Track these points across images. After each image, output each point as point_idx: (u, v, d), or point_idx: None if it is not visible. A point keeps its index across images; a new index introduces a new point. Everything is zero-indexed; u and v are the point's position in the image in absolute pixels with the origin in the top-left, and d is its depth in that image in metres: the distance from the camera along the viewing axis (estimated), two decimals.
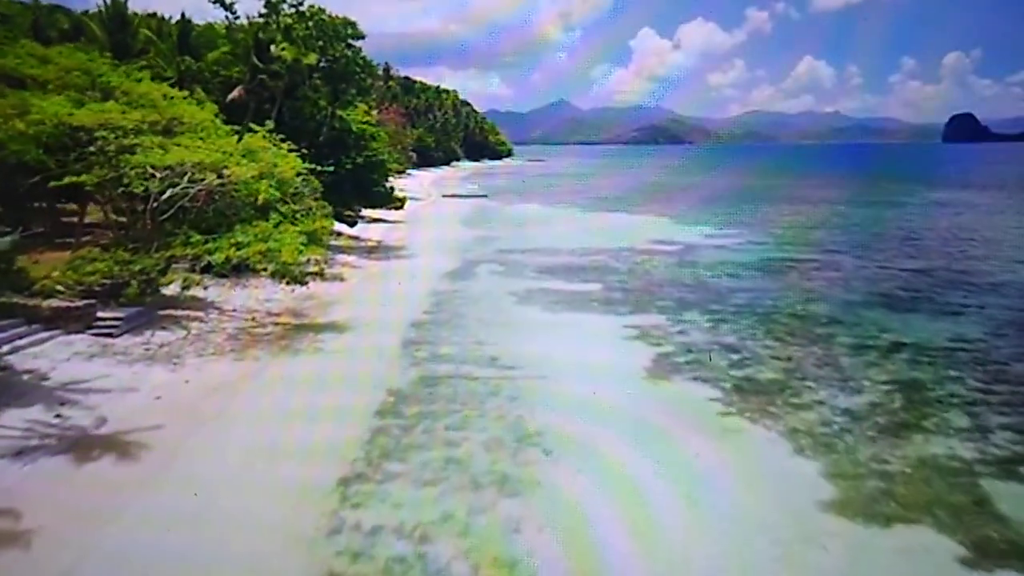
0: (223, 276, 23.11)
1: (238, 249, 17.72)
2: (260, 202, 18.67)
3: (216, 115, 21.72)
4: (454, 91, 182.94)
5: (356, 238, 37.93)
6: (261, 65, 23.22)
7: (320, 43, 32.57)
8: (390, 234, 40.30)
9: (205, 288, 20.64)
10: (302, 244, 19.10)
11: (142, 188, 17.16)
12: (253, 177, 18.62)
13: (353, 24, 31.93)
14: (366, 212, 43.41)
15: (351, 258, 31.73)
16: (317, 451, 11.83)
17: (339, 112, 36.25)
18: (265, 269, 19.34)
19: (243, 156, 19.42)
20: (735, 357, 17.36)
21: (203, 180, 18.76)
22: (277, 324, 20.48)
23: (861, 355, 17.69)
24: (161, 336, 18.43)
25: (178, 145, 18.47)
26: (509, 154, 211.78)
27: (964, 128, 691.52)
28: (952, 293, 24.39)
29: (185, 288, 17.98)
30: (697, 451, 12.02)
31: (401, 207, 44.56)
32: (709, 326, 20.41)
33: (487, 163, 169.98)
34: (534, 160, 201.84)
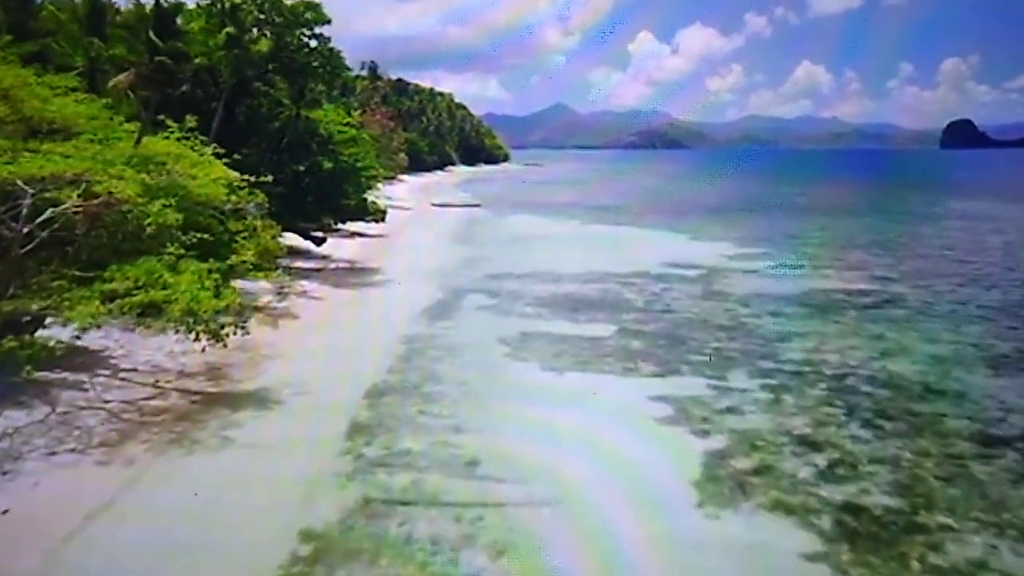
0: (141, 314, 17.75)
1: (108, 301, 12.38)
2: (150, 230, 13.36)
3: (105, 110, 16.43)
4: (449, 93, 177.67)
5: (325, 258, 32.72)
6: (161, 44, 17.90)
7: (279, 29, 27.35)
8: (365, 253, 35.00)
9: (70, 344, 15.13)
10: (212, 286, 13.77)
11: None
12: (140, 195, 13.32)
13: (316, 7, 26.65)
14: (345, 225, 38.20)
15: (312, 285, 26.42)
16: None
17: (305, 112, 30.99)
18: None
19: (133, 165, 14.12)
20: (821, 462, 12.07)
21: (83, 200, 13.53)
22: (184, 393, 15.14)
23: (997, 457, 12.43)
24: (9, 419, 13.08)
25: (35, 152, 13.17)
26: (506, 159, 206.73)
27: (962, 134, 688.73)
28: None
29: (29, 362, 12.54)
30: None
31: (382, 219, 39.18)
32: (767, 398, 15.14)
33: (483, 168, 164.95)
34: (531, 165, 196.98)
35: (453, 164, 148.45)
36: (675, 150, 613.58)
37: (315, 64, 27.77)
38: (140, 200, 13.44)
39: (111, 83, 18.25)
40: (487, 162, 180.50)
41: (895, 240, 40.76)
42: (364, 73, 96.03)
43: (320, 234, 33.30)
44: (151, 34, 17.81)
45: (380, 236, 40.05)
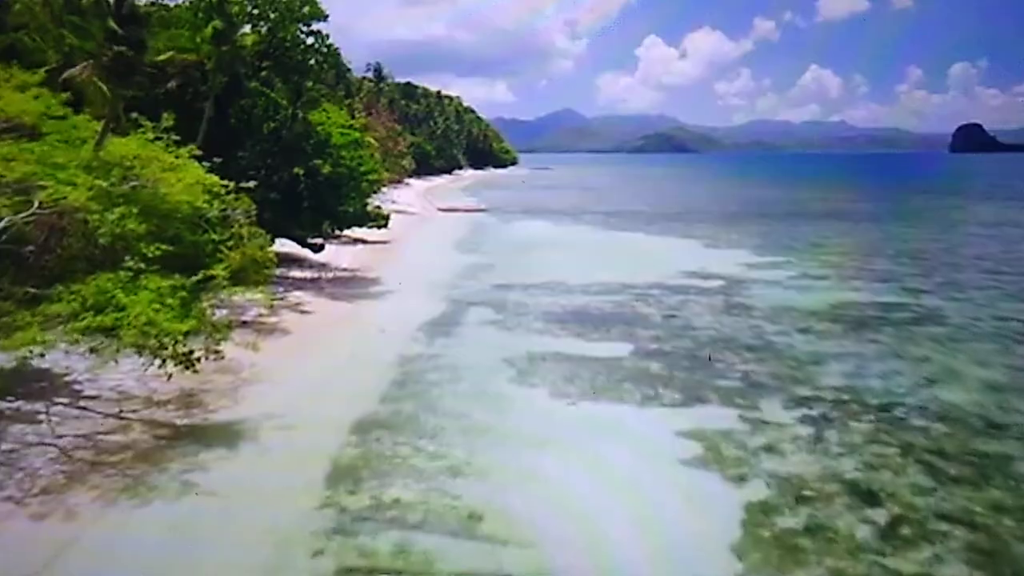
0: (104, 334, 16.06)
1: (47, 327, 10.72)
2: (105, 241, 11.72)
3: (63, 107, 14.82)
4: (457, 97, 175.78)
5: (323, 267, 31.09)
6: (120, 30, 16.18)
7: (273, 24, 25.77)
8: (365, 261, 33.35)
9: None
10: (177, 305, 12.11)
11: None
12: (94, 201, 11.67)
13: (312, 1, 25.03)
14: (346, 231, 36.55)
15: (306, 296, 24.78)
16: None
17: (303, 113, 29.34)
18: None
19: (91, 169, 12.49)
20: (881, 519, 10.27)
21: (38, 208, 11.91)
22: (149, 425, 13.48)
23: None
24: None
25: None
26: (514, 162, 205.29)
27: (971, 138, 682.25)
28: None
29: None
30: None
31: (384, 225, 37.44)
32: (808, 434, 13.34)
33: (491, 172, 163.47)
34: (539, 169, 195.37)
35: (460, 168, 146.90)
36: (683, 154, 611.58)
37: (312, 62, 26.14)
38: (95, 208, 11.78)
39: (63, 76, 16.47)
40: (495, 166, 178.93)
41: (922, 248, 38.77)
42: (369, 75, 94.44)
43: (318, 241, 31.67)
44: (111, 22, 16.13)
45: (382, 242, 38.45)
